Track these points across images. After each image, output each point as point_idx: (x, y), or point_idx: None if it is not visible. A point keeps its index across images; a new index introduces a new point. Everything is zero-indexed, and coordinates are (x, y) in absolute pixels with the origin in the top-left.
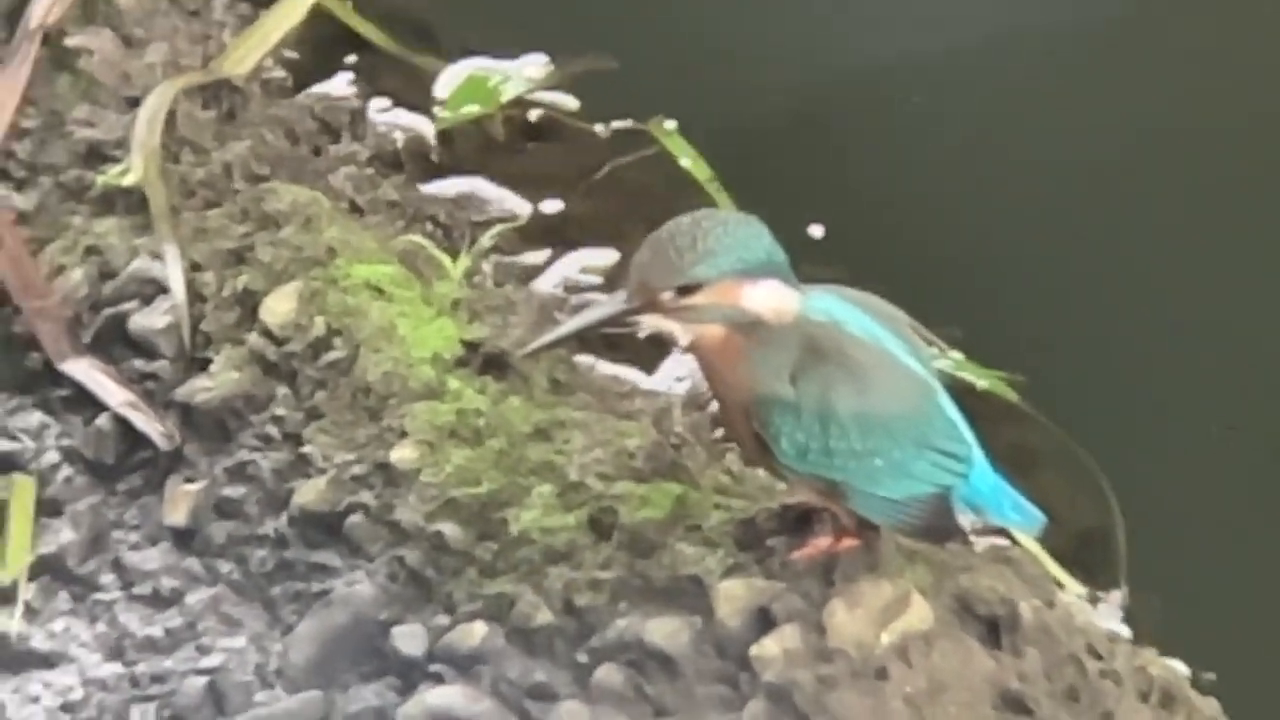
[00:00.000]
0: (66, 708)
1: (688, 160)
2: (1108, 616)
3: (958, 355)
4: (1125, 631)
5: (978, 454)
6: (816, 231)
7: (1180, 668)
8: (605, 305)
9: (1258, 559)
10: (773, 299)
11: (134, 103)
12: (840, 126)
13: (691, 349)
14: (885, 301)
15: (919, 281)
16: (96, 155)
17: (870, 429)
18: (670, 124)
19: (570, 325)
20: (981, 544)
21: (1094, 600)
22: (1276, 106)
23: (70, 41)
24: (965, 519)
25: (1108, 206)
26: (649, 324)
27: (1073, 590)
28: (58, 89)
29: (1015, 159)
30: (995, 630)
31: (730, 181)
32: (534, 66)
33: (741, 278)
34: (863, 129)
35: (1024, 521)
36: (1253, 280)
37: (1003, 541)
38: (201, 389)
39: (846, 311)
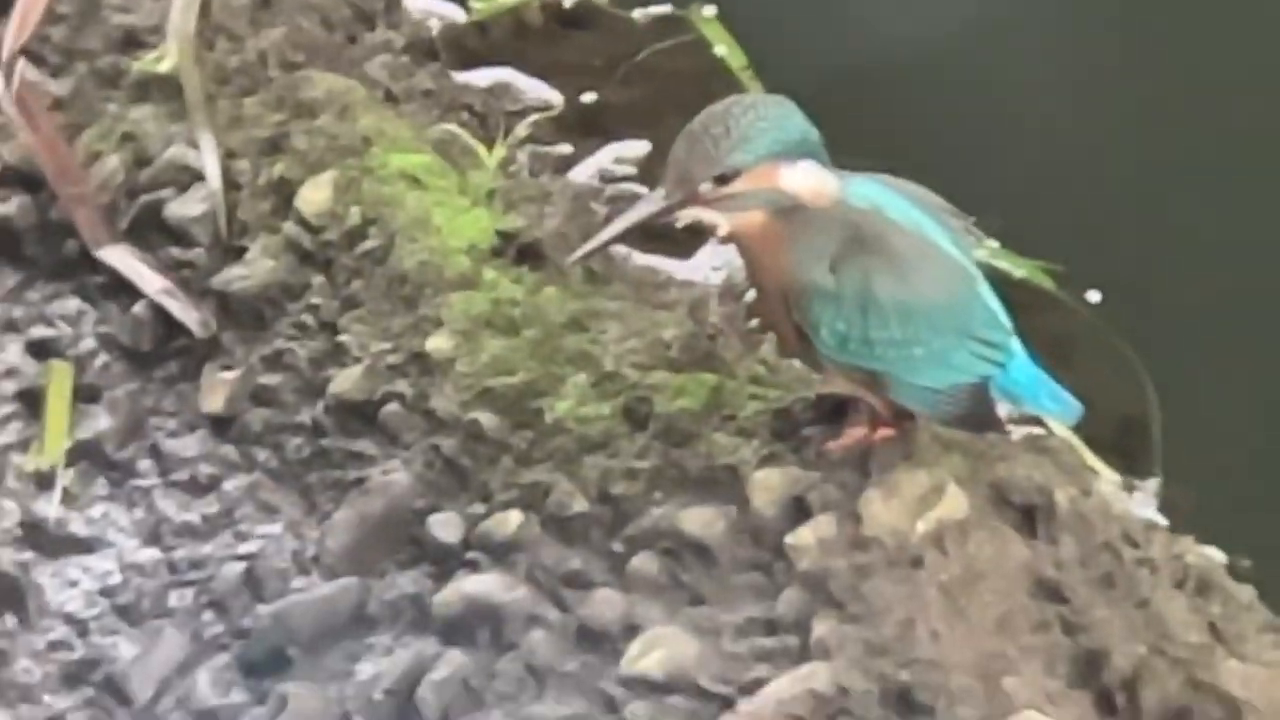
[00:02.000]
0: (105, 592)
1: (723, 47)
2: (1144, 504)
3: (995, 243)
4: (1161, 519)
5: (1016, 343)
6: (852, 119)
7: (1216, 555)
8: (645, 203)
9: None
10: (810, 179)
11: None
12: (886, 9)
13: (732, 238)
14: (926, 189)
15: (956, 170)
16: (132, 41)
17: (911, 317)
18: (709, 10)
19: (613, 228)
20: (1018, 433)
21: (1130, 488)
22: None
23: None
24: (1003, 408)
25: (1144, 95)
26: (689, 215)
27: (1109, 478)
28: None
29: (1047, 48)
30: (1031, 519)
31: (767, 69)
32: None
33: (778, 159)
34: (900, 21)
35: (1061, 410)
36: None
37: (1039, 430)
38: (238, 277)
39: (888, 198)
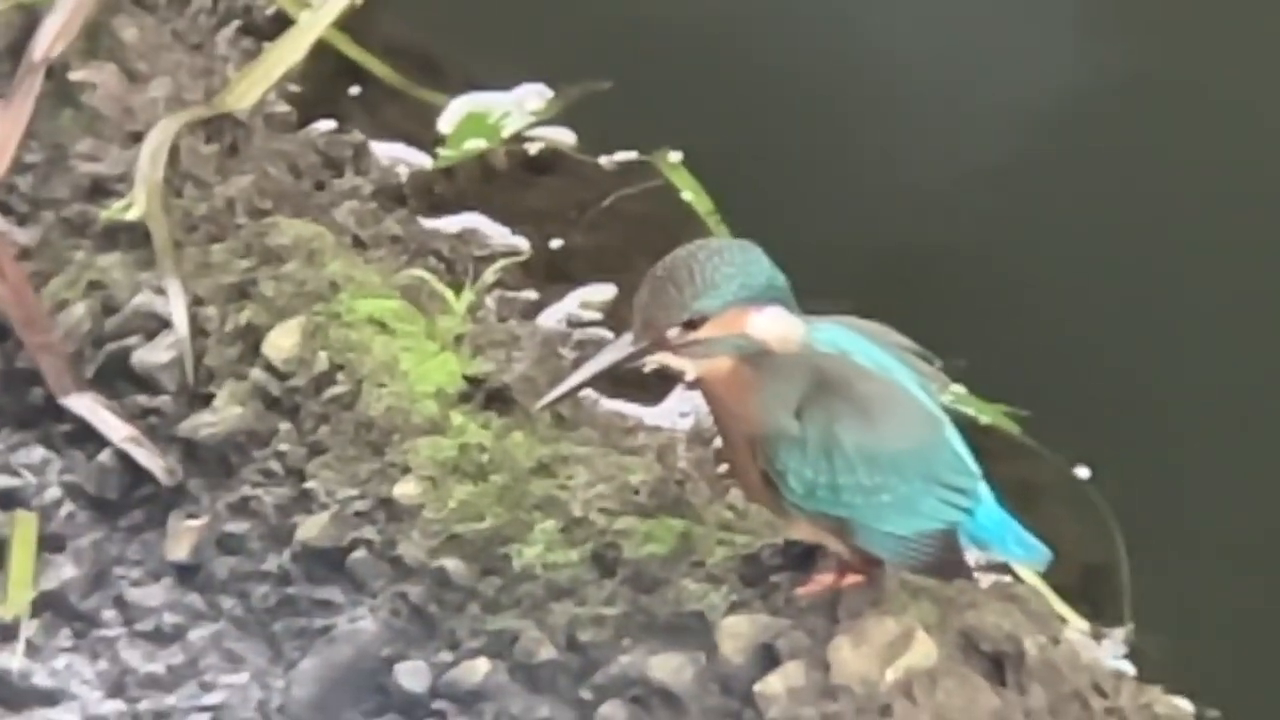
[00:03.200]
0: None
1: (689, 193)
2: (1113, 653)
3: (961, 388)
4: (1130, 668)
5: (984, 489)
6: (820, 261)
7: (1185, 705)
8: (613, 349)
9: (1263, 596)
10: (777, 325)
11: (137, 137)
12: (848, 154)
13: (698, 383)
14: (892, 331)
15: (921, 311)
16: (100, 190)
17: (878, 464)
18: (675, 155)
19: (581, 374)
20: (986, 580)
21: (1099, 636)
22: None
23: (74, 75)
24: (971, 554)
25: (1113, 237)
26: (656, 360)
27: (1077, 626)
28: (61, 123)
29: (1020, 190)
30: (1000, 667)
31: (733, 214)
32: (534, 97)
33: (745, 305)
34: (867, 166)
35: (1029, 557)
36: (1265, 313)
37: (1007, 577)
38: (204, 424)
39: (854, 342)
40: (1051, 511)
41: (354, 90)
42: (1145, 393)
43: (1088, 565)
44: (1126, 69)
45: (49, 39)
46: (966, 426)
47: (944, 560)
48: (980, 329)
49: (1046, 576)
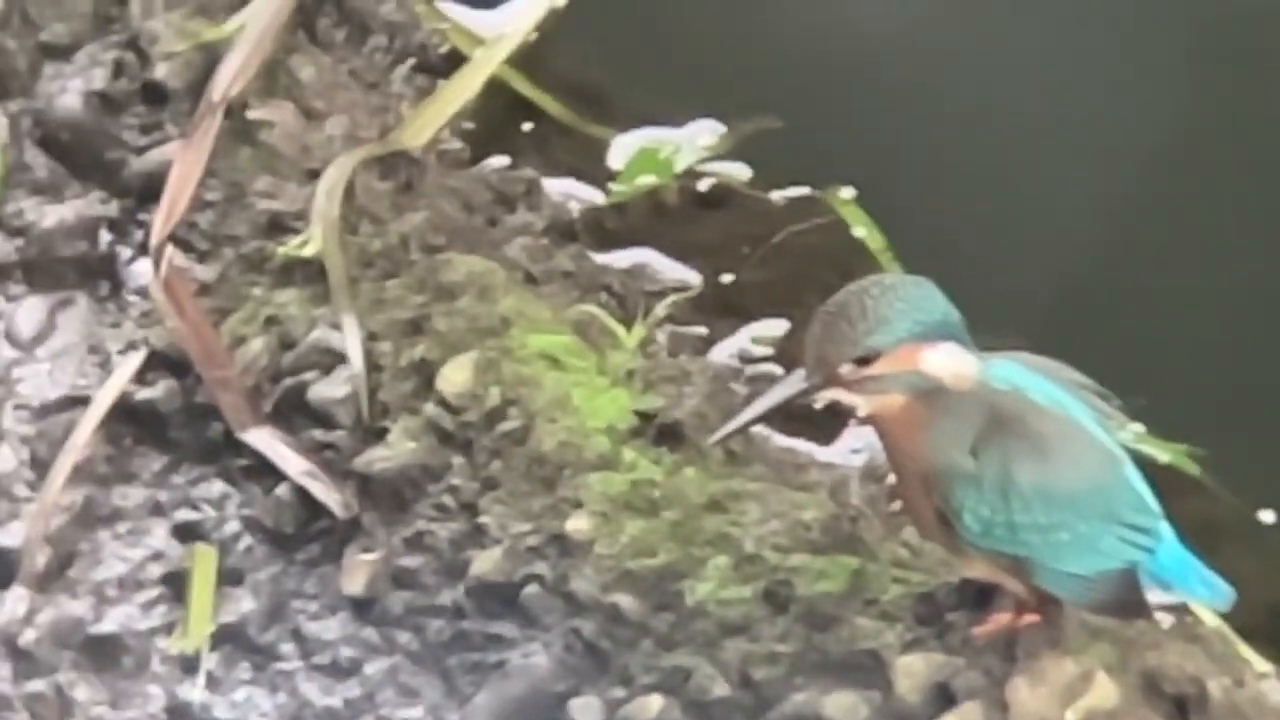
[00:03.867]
0: None
1: (861, 229)
2: None
3: (1140, 427)
4: None
5: (1165, 528)
6: (994, 297)
7: None
8: (785, 385)
9: None
10: (951, 362)
11: (314, 174)
12: (1021, 190)
13: (871, 419)
14: (1068, 368)
15: (1100, 350)
16: (277, 226)
17: (1054, 502)
18: (847, 191)
19: (754, 410)
20: (1168, 620)
21: None
22: None
23: (252, 114)
24: (1152, 594)
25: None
26: (829, 396)
27: (1262, 669)
28: (239, 161)
29: (1197, 224)
30: (1183, 709)
31: (907, 248)
32: (706, 133)
33: (919, 341)
34: (1044, 193)
35: (1212, 597)
36: None
37: (1190, 618)
38: (379, 458)
39: (1030, 379)
40: (1232, 552)
41: (526, 126)
42: None
43: (1272, 605)
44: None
45: (228, 78)
46: (1145, 465)
47: (1124, 600)
48: (1159, 367)
49: (1229, 618)
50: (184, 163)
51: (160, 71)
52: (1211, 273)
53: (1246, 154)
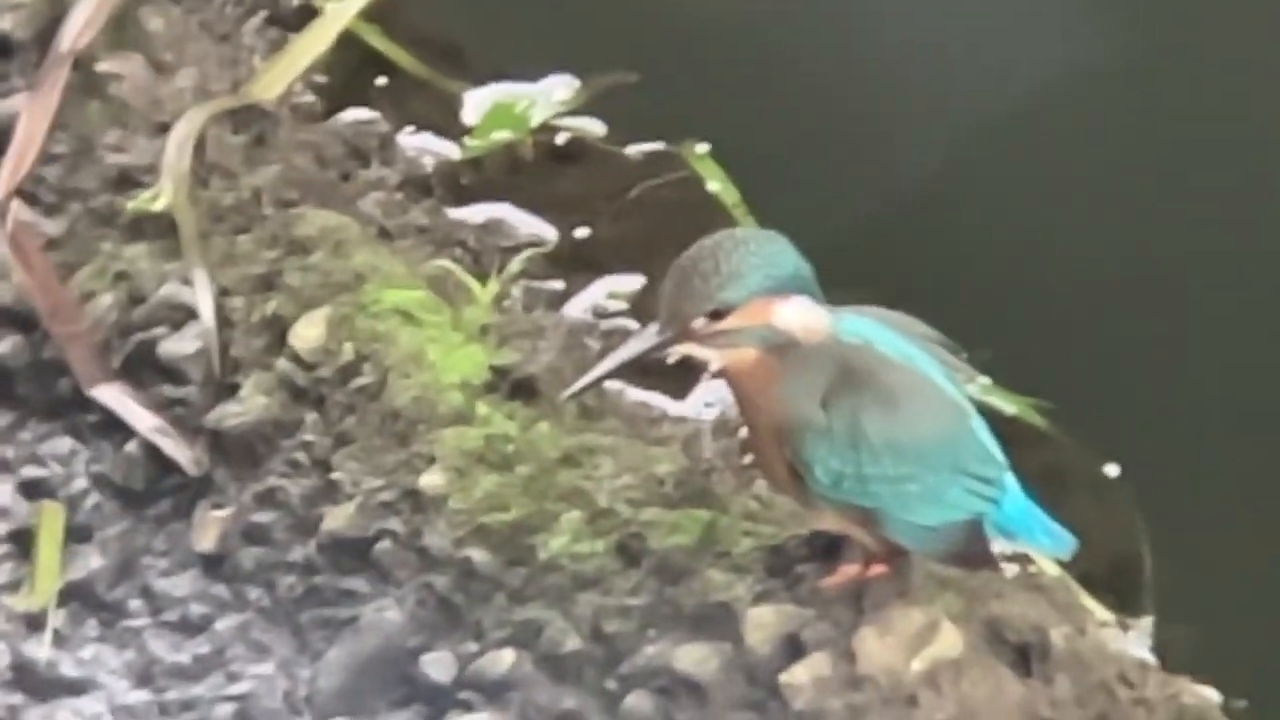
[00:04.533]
0: None
1: (716, 184)
2: (1138, 643)
3: (986, 379)
4: (1155, 659)
5: (1010, 479)
6: (845, 252)
7: (1212, 695)
8: (638, 339)
9: None
10: (803, 316)
11: (164, 128)
12: (875, 145)
13: (724, 374)
14: (918, 321)
15: (948, 303)
16: (126, 181)
17: (903, 454)
18: (702, 146)
19: (608, 364)
20: (1012, 570)
21: (1125, 627)
22: None
23: (100, 67)
24: (997, 545)
25: (1144, 229)
26: (682, 351)
27: (1103, 617)
28: (88, 114)
29: (1051, 183)
30: (1026, 657)
31: (759, 205)
32: (561, 88)
33: (771, 295)
34: (893, 155)
35: (1056, 547)
36: None
37: (1033, 568)
38: (230, 414)
39: (880, 333)
40: (1077, 503)
41: (380, 81)
42: (1171, 384)
43: (1114, 556)
44: (1148, 43)
45: (76, 30)
46: (992, 417)
47: (970, 551)
48: (1006, 321)
49: (1072, 567)
50: (31, 116)
51: (6, 23)
52: (1057, 224)
53: (1103, 101)
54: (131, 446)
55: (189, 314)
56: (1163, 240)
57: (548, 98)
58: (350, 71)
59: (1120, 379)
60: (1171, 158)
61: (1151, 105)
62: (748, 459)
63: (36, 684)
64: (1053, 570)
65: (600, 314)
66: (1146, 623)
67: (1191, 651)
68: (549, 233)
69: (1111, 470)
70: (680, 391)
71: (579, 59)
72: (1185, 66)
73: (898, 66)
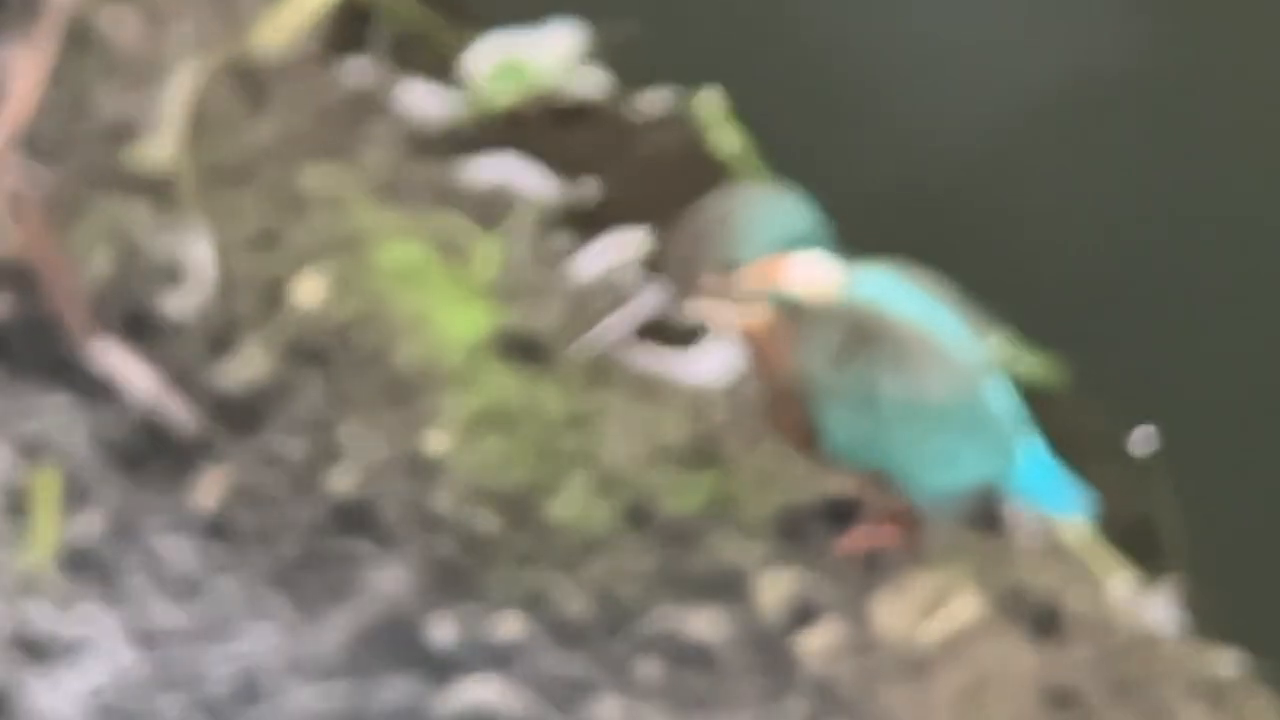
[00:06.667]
0: (94, 695)
1: (729, 139)
2: (1160, 607)
3: (1007, 339)
4: (1178, 622)
5: (1029, 440)
6: (862, 208)
7: (1234, 658)
8: (648, 298)
9: None
10: (815, 273)
11: (161, 81)
12: (893, 99)
13: (734, 333)
14: (937, 280)
15: (969, 262)
16: (124, 135)
17: (918, 415)
18: (713, 99)
19: (615, 323)
20: (1030, 532)
21: (1146, 589)
22: None
23: (96, 19)
24: (1014, 506)
25: (1164, 194)
26: (692, 310)
27: (1124, 580)
28: (83, 67)
29: (1075, 144)
30: (1043, 622)
31: (773, 159)
32: (567, 39)
33: (783, 253)
34: (912, 111)
35: (1075, 508)
36: None
37: (1053, 530)
38: (230, 373)
39: (896, 291)
40: (1098, 464)
41: (383, 32)
42: (1196, 342)
43: (1135, 517)
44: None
45: None
46: (1015, 379)
47: (985, 512)
48: (1028, 278)
49: (1092, 529)
50: (28, 68)
51: None
52: (1081, 184)
53: (1117, 72)
54: (130, 406)
55: (187, 271)
56: (1187, 203)
57: (554, 50)
58: (352, 25)
59: (1143, 337)
60: (1211, 126)
61: (1193, 81)
62: (759, 421)
63: (34, 645)
64: (1074, 533)
65: (608, 272)
66: (1169, 585)
67: (1214, 613)
68: (555, 188)
69: (1137, 432)
70: (689, 352)
71: (586, 8)
72: (1231, 42)
73: (927, 18)
